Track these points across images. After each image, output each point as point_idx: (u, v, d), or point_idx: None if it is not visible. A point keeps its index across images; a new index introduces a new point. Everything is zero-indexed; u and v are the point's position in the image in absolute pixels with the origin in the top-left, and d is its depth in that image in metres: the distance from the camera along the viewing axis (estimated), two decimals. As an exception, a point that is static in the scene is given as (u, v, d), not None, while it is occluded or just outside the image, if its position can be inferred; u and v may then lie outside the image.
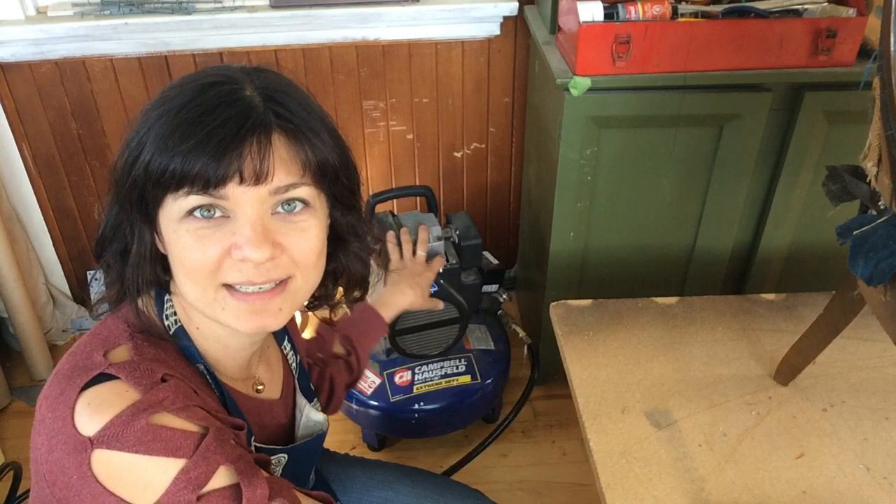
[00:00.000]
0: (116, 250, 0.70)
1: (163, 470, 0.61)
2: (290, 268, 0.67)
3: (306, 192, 0.66)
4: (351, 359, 1.10)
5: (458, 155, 2.05)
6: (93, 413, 0.61)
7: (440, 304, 1.43)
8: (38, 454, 0.64)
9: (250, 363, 0.82)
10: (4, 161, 1.87)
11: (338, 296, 0.85)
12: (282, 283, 0.68)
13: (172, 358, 0.70)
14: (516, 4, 1.77)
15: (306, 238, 0.67)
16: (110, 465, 0.60)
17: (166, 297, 0.73)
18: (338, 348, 1.11)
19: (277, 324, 0.69)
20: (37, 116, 1.84)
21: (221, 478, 0.63)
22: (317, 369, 1.04)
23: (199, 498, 0.61)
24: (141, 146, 0.63)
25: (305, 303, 0.78)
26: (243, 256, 0.63)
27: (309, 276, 0.70)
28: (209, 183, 0.61)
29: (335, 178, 0.68)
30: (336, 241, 0.77)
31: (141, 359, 0.66)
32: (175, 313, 0.73)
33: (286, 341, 0.93)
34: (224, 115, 0.61)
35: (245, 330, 0.68)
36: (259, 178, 0.62)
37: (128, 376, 0.63)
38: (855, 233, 0.82)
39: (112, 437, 0.60)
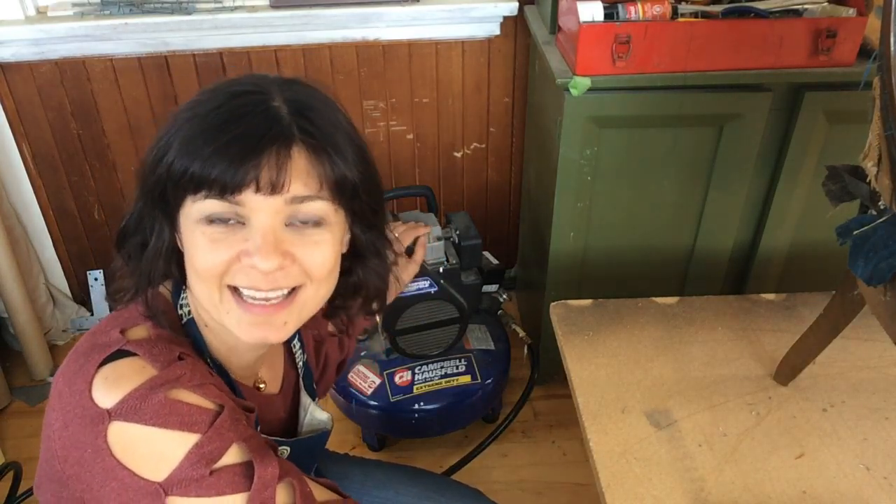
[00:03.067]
0: (137, 242, 0.71)
1: (177, 443, 0.62)
2: (300, 277, 0.67)
3: (322, 206, 0.66)
4: (343, 337, 1.09)
5: (458, 155, 2.05)
6: (111, 387, 0.62)
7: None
8: (51, 430, 0.65)
9: (255, 364, 0.83)
10: (4, 161, 1.87)
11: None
12: (291, 294, 0.68)
13: (186, 343, 0.72)
14: (516, 4, 1.77)
15: (318, 251, 0.68)
16: (126, 438, 0.61)
17: (183, 287, 0.74)
18: (331, 327, 1.11)
19: (280, 337, 0.70)
20: (37, 116, 1.84)
21: (234, 454, 0.64)
22: (314, 344, 1.04)
23: (211, 473, 0.62)
24: (167, 146, 0.64)
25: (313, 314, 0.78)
26: (252, 264, 0.64)
27: (319, 287, 0.70)
28: (226, 189, 0.62)
29: (354, 195, 0.69)
30: (355, 256, 0.78)
31: (159, 338, 0.68)
32: (188, 304, 0.74)
33: (296, 339, 0.93)
34: (248, 123, 0.63)
35: (246, 339, 0.69)
36: (275, 188, 0.62)
37: (146, 353, 0.65)
38: (855, 233, 0.82)
39: (130, 409, 0.61)
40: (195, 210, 0.64)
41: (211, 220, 0.64)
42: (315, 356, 1.03)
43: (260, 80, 0.68)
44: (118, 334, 0.66)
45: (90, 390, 0.62)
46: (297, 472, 0.71)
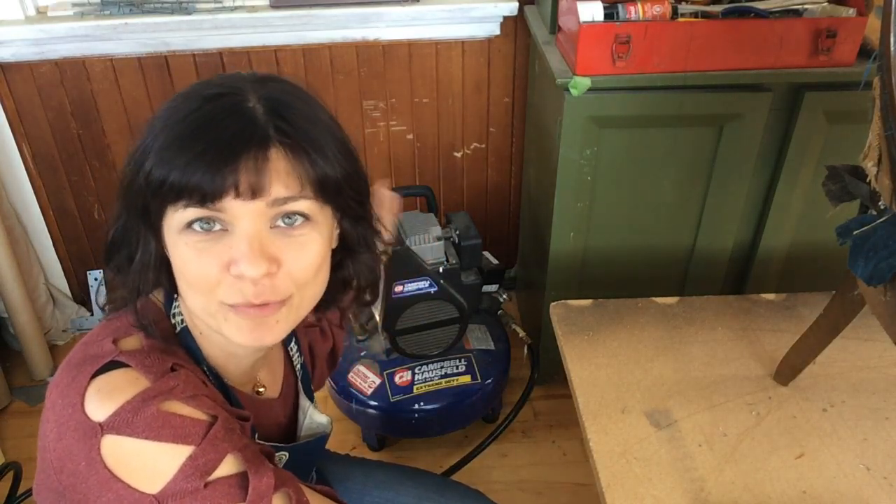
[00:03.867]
0: (125, 255, 0.70)
1: (171, 456, 0.61)
2: (287, 288, 0.66)
3: (306, 205, 0.65)
4: (322, 324, 1.08)
5: (458, 155, 2.05)
6: (103, 399, 0.61)
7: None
8: (45, 441, 0.64)
9: (253, 368, 0.82)
10: (4, 161, 1.87)
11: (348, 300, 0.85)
12: (282, 300, 0.67)
13: (180, 352, 0.71)
14: (516, 4, 1.77)
15: (305, 254, 0.66)
16: (119, 451, 0.60)
17: (175, 296, 0.73)
18: (309, 317, 1.09)
19: (276, 338, 0.69)
20: (37, 116, 1.84)
21: (229, 465, 0.64)
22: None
23: (206, 485, 0.62)
24: (144, 156, 0.63)
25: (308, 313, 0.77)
26: (240, 272, 0.63)
27: (306, 292, 0.69)
28: (206, 197, 0.61)
29: (338, 191, 0.67)
30: (346, 250, 0.77)
31: (151, 348, 0.67)
32: (181, 313, 0.73)
33: (293, 342, 0.93)
34: (223, 127, 0.61)
35: (244, 344, 0.68)
36: (255, 192, 0.61)
37: (138, 364, 0.64)
38: (855, 233, 0.82)
39: (122, 422, 0.60)
40: (177, 220, 0.63)
41: (194, 229, 0.63)
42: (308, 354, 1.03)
43: (233, 79, 0.66)
44: (110, 345, 0.65)
45: (83, 403, 0.61)
46: (294, 480, 0.70)
